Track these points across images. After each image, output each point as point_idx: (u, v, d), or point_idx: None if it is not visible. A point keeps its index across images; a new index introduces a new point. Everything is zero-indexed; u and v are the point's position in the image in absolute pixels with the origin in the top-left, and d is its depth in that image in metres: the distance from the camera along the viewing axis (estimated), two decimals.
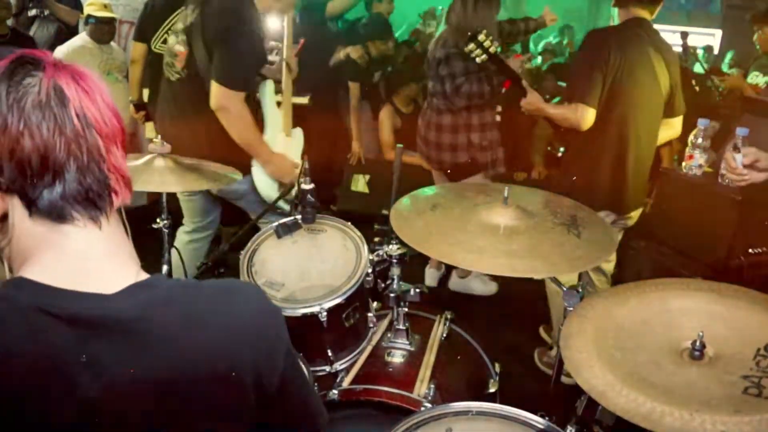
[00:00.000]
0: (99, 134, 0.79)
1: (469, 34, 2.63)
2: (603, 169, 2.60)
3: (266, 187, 2.61)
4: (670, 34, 3.55)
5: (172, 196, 2.54)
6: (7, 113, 0.75)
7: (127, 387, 0.78)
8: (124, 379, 0.78)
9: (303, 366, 1.02)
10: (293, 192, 2.11)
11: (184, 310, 0.83)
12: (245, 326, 0.86)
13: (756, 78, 4.01)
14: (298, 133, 2.83)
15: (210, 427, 0.85)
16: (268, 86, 2.68)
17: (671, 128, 2.70)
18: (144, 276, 0.86)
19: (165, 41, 3.37)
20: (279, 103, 2.79)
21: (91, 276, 0.80)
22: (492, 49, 2.63)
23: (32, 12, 4.61)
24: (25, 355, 0.75)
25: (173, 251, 2.26)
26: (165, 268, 2.12)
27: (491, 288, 3.70)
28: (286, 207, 2.59)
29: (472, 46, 2.62)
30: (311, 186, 1.93)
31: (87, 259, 0.81)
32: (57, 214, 0.78)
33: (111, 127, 0.81)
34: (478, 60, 2.66)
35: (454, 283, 3.71)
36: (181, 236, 2.92)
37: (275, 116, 2.69)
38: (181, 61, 2.55)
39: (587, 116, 2.48)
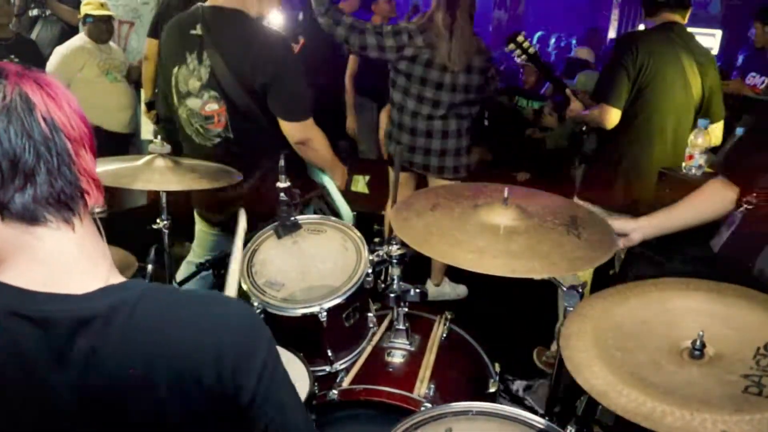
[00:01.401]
0: (68, 138, 0.80)
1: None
2: (624, 171, 2.68)
3: (344, 206, 2.43)
4: None
5: (174, 199, 2.51)
6: None
7: (95, 387, 0.79)
8: (92, 379, 0.79)
9: (290, 392, 0.96)
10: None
11: (153, 314, 0.83)
12: (210, 338, 0.84)
13: (753, 78, 4.01)
14: None
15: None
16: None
17: (708, 135, 2.62)
18: (118, 278, 0.87)
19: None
20: None
21: (64, 278, 0.81)
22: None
23: (34, 12, 4.62)
24: None
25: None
26: (149, 267, 2.05)
27: (461, 291, 3.70)
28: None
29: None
30: (286, 184, 1.93)
31: (59, 261, 0.82)
32: (30, 217, 0.79)
33: (79, 131, 0.82)
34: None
35: (431, 291, 3.69)
36: (188, 267, 2.66)
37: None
38: (222, 120, 2.25)
39: (610, 116, 2.60)
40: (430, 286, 3.69)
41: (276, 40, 2.18)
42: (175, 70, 2.27)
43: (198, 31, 2.18)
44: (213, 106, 2.23)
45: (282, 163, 1.96)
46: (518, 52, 2.86)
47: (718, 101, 2.68)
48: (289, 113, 2.21)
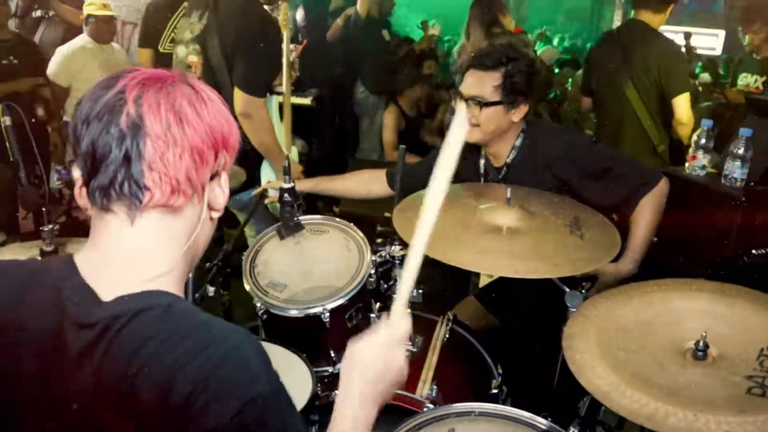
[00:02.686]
0: (150, 138, 0.83)
1: None
2: None
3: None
4: (673, 35, 3.72)
5: None
6: (78, 120, 0.85)
7: (83, 386, 0.82)
8: (82, 378, 0.82)
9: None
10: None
11: (136, 334, 0.82)
12: (168, 370, 0.79)
13: (746, 79, 3.99)
14: (294, 149, 2.88)
15: None
16: (273, 102, 2.70)
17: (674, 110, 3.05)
18: (157, 286, 0.87)
19: (173, 40, 3.38)
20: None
21: (106, 271, 0.86)
22: None
23: (37, 13, 4.62)
24: (35, 324, 0.84)
25: None
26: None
27: None
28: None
29: None
30: (291, 185, 1.95)
31: (107, 251, 0.87)
32: (101, 204, 0.85)
33: (173, 134, 0.84)
34: None
35: None
36: None
37: (278, 131, 2.71)
38: (196, 71, 2.55)
39: (583, 101, 3.57)
40: None
41: (259, 20, 2.41)
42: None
43: None
44: (193, 58, 2.56)
45: (286, 163, 1.97)
46: None
47: (676, 77, 3.03)
48: (241, 82, 2.41)
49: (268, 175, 2.62)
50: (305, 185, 2.32)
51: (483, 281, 3.74)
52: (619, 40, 3.19)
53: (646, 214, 1.99)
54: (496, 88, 1.98)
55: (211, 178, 0.91)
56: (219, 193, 0.94)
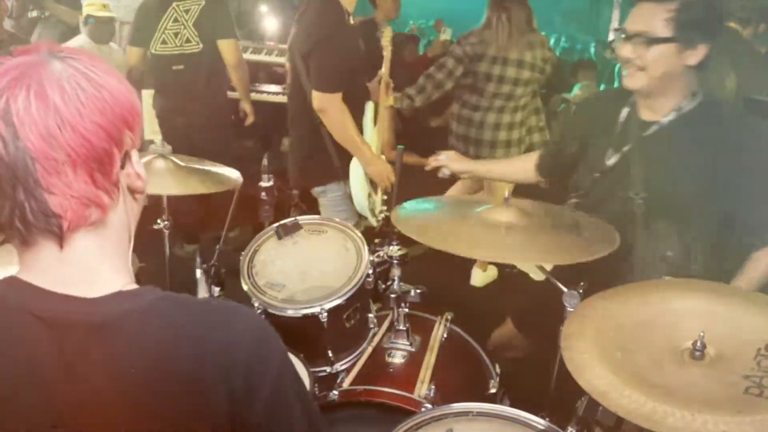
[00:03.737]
0: (38, 161, 0.72)
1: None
2: None
3: (358, 194, 2.67)
4: None
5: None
6: None
7: (97, 394, 0.78)
8: (95, 386, 0.78)
9: (302, 399, 0.95)
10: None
11: (163, 324, 0.81)
12: (223, 351, 0.82)
13: None
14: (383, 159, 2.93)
15: None
16: (369, 109, 2.76)
17: None
18: (133, 286, 0.84)
19: (164, 42, 3.38)
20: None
21: (76, 280, 0.79)
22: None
23: (33, 14, 4.62)
24: (8, 355, 0.77)
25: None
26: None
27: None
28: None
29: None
30: (269, 184, 2.02)
31: (70, 264, 0.79)
32: (16, 237, 0.77)
33: (58, 146, 0.73)
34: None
35: None
36: None
37: (372, 139, 2.76)
38: (287, 75, 2.81)
39: None
40: None
41: (327, 21, 2.55)
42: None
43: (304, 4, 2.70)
44: (287, 63, 2.95)
45: (265, 162, 2.00)
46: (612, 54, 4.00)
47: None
48: (315, 81, 2.55)
49: (355, 168, 2.66)
50: (468, 165, 2.26)
51: (478, 278, 3.76)
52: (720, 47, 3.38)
53: None
54: (668, 22, 1.58)
55: (122, 166, 0.81)
56: (135, 177, 0.84)
